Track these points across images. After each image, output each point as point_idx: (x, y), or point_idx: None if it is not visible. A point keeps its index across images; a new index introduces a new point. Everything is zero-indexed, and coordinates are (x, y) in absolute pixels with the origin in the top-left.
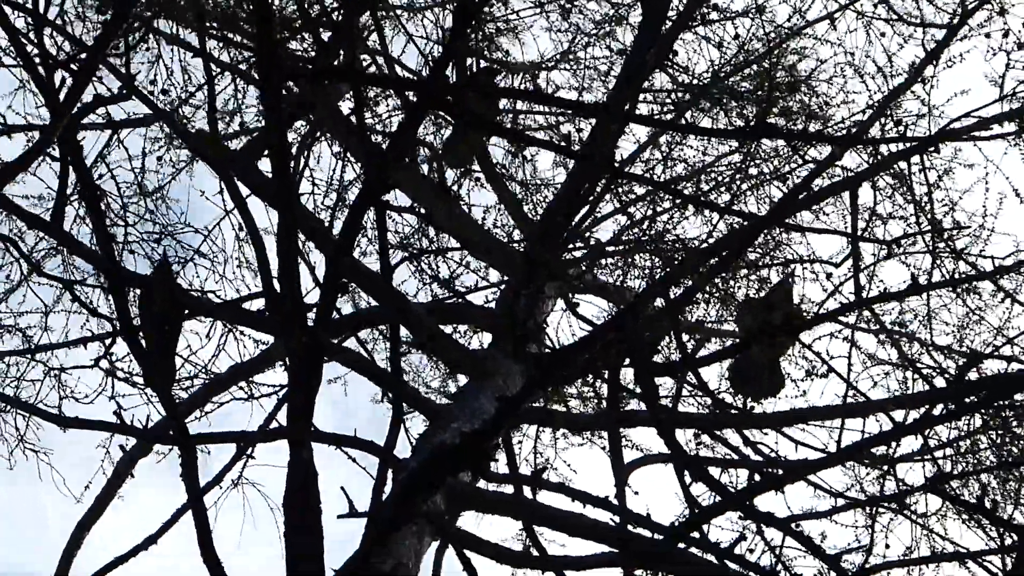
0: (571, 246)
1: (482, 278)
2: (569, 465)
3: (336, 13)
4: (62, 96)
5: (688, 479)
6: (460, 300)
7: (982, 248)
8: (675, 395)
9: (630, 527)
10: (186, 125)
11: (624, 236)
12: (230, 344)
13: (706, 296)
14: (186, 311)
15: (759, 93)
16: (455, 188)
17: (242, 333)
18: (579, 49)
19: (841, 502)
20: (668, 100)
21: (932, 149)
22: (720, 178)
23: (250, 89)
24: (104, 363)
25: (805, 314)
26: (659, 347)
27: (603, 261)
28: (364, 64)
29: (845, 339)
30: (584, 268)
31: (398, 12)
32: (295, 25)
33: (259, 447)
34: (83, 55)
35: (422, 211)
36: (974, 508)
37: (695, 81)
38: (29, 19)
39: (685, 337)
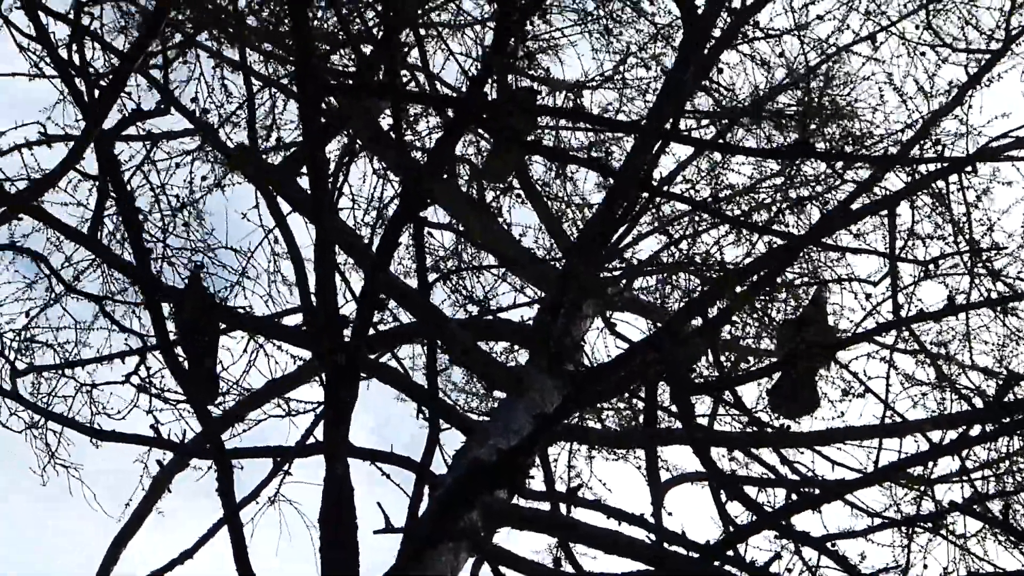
0: (609, 264)
1: (518, 290)
2: (604, 484)
3: (377, 29)
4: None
5: (724, 498)
6: (496, 317)
7: (1021, 269)
8: (712, 413)
9: (666, 545)
10: (226, 139)
11: (663, 255)
12: (260, 359)
13: (744, 316)
14: (220, 323)
15: (802, 118)
16: (493, 203)
17: (280, 348)
18: (625, 70)
19: (878, 522)
20: (709, 120)
21: (970, 169)
22: (761, 200)
23: (290, 105)
24: (135, 379)
25: (839, 330)
26: (696, 366)
27: (643, 281)
28: (404, 80)
29: (883, 359)
30: (622, 286)
31: (440, 30)
32: (336, 39)
33: (297, 466)
34: (116, 65)
35: (460, 227)
36: (1009, 529)
37: (737, 102)
38: (69, 28)
39: (723, 356)
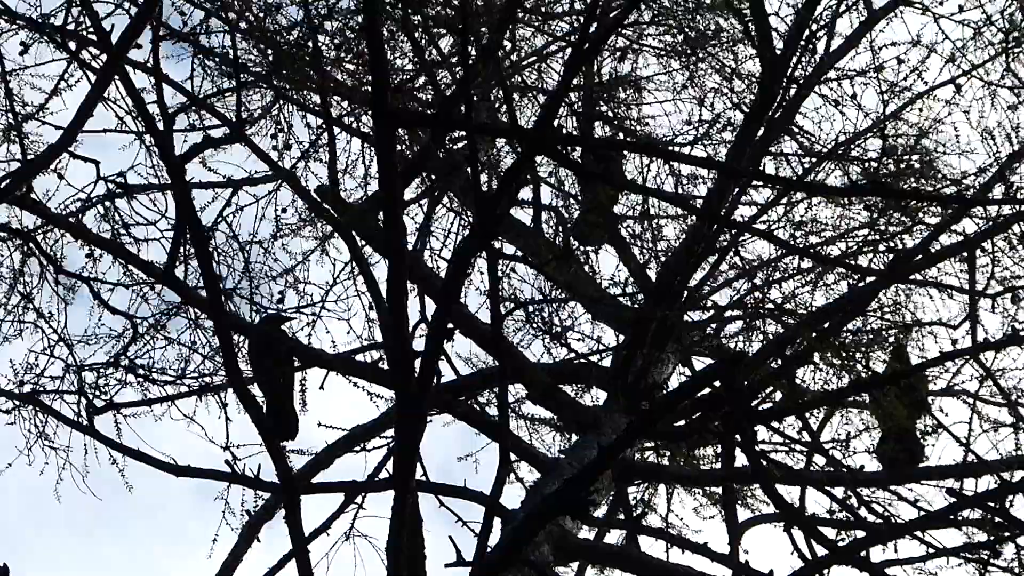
0: (691, 309)
1: (589, 333)
2: (696, 513)
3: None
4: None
5: (799, 536)
6: (575, 359)
7: None
8: (807, 459)
9: None
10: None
11: (745, 300)
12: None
13: (823, 358)
14: (296, 359)
15: (882, 160)
16: (577, 251)
17: (355, 384)
18: (709, 113)
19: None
20: (790, 162)
21: None
22: (847, 246)
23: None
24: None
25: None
26: (772, 406)
27: (727, 328)
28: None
29: (961, 399)
30: (709, 331)
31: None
32: (416, 87)
33: (372, 500)
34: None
35: (535, 262)
36: None
37: (818, 143)
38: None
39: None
